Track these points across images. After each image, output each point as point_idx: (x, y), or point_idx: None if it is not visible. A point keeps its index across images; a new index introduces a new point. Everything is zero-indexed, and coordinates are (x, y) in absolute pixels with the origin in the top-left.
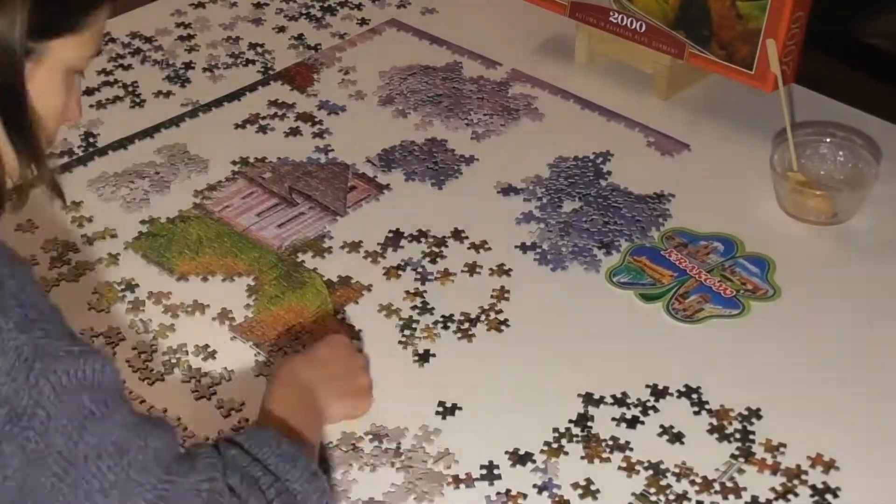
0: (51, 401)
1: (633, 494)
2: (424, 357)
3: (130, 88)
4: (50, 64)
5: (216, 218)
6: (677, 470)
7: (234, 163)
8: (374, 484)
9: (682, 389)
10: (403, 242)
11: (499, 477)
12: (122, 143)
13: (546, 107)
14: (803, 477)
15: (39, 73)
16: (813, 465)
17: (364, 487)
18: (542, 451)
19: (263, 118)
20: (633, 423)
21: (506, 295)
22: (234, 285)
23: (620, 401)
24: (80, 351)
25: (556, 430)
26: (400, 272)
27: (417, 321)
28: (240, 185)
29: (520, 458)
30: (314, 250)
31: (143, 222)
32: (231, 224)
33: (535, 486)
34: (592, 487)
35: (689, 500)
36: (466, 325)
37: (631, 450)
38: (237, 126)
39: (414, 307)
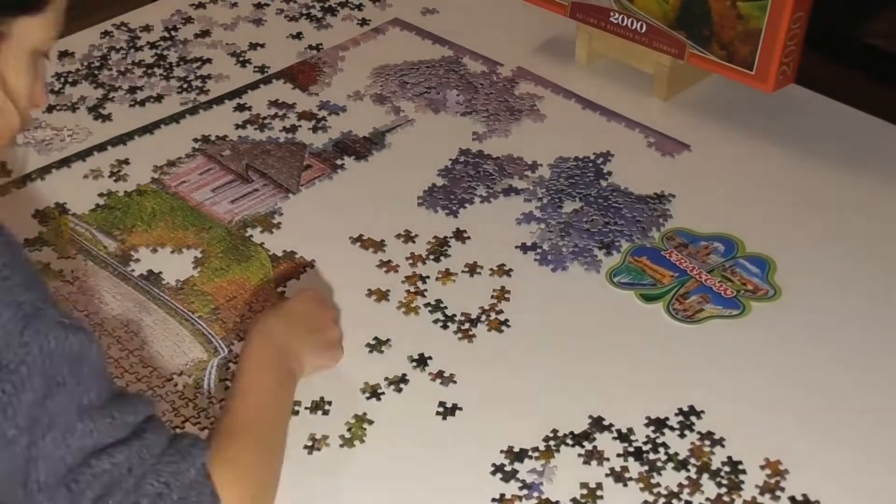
0: (35, 361)
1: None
2: (422, 361)
3: (130, 87)
4: (16, 45)
5: (172, 192)
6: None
7: (195, 140)
8: None
9: (682, 391)
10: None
11: (498, 478)
12: (121, 139)
13: (547, 107)
14: (787, 478)
15: (5, 55)
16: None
17: None
18: (541, 452)
19: (265, 118)
20: (631, 431)
21: (506, 295)
22: (182, 257)
23: (620, 406)
24: (71, 324)
25: (555, 430)
26: (398, 268)
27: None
28: (199, 161)
29: (517, 457)
30: (263, 225)
31: (101, 195)
32: (186, 199)
33: (530, 484)
34: (590, 486)
35: (681, 499)
36: (467, 325)
37: (630, 451)
38: (237, 126)
39: (419, 306)
